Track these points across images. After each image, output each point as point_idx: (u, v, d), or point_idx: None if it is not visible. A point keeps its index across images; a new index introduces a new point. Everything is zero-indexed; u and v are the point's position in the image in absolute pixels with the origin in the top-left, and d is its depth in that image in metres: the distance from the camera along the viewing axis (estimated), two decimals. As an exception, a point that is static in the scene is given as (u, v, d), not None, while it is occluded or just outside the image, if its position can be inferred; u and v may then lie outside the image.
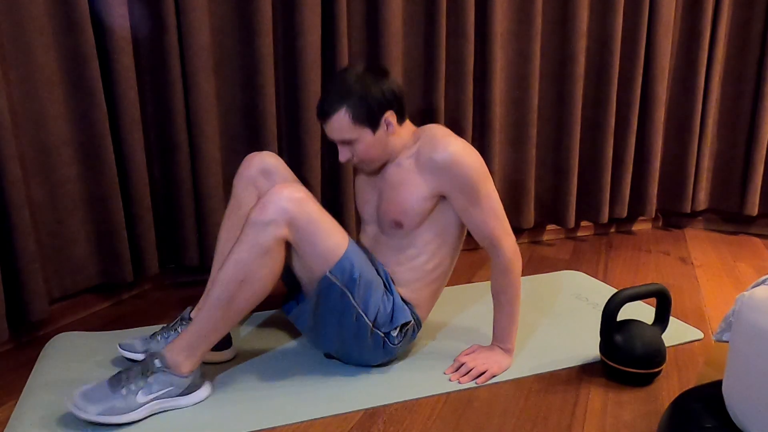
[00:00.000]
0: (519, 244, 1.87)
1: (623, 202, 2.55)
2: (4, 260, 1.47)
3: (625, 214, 2.57)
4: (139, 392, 1.17)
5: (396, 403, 1.27)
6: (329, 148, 2.04)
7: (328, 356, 1.46)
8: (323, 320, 1.30)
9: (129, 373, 1.19)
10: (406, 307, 1.37)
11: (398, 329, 1.35)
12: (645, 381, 1.34)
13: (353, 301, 1.26)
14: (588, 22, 2.33)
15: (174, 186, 1.86)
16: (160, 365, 1.20)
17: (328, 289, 1.24)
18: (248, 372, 1.39)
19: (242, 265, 1.18)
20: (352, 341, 1.32)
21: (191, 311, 1.47)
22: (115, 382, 1.18)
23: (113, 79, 1.65)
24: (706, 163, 2.61)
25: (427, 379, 1.36)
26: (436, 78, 2.08)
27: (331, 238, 1.24)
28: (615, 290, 1.92)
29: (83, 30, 1.55)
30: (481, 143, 2.25)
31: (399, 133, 1.35)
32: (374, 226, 1.44)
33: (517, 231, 2.47)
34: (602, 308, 1.75)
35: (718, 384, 1.04)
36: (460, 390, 1.32)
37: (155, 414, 1.21)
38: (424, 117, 2.14)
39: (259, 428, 1.17)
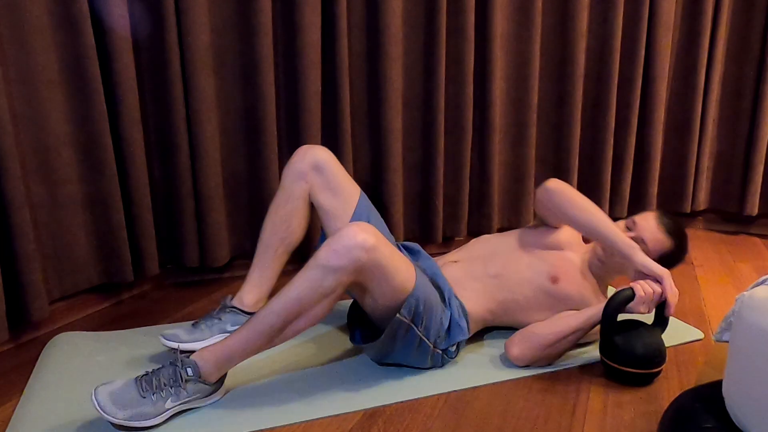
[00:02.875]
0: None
1: (623, 202, 2.55)
2: (4, 260, 1.47)
3: (625, 214, 2.57)
4: (169, 399, 1.16)
5: (396, 403, 1.27)
6: (329, 148, 2.04)
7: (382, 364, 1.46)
8: (390, 350, 1.35)
9: (159, 377, 1.16)
10: (462, 322, 1.42)
11: (455, 346, 1.41)
12: (645, 381, 1.34)
13: (417, 331, 1.31)
14: (588, 23, 2.33)
15: (174, 186, 1.86)
16: (192, 375, 1.18)
17: (399, 326, 1.29)
18: (248, 372, 1.39)
19: (303, 302, 1.18)
20: (412, 360, 1.38)
21: (231, 299, 1.49)
22: (145, 385, 1.15)
23: (113, 79, 1.65)
24: (706, 163, 2.61)
25: (427, 379, 1.36)
26: (436, 78, 2.08)
27: (399, 275, 1.26)
28: (615, 290, 1.92)
29: (83, 30, 1.55)
30: (481, 143, 2.25)
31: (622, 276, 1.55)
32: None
33: (517, 231, 2.48)
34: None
35: (718, 384, 1.04)
36: (460, 390, 1.32)
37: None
38: (424, 117, 2.14)
39: (259, 428, 1.17)
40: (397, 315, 1.26)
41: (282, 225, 1.48)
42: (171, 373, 1.17)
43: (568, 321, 1.38)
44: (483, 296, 1.48)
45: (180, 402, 1.18)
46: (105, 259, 1.74)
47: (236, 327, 1.40)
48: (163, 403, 1.16)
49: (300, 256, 1.66)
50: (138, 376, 1.18)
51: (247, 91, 1.89)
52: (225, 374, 1.26)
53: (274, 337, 1.20)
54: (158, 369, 1.19)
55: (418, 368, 1.41)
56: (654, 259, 1.42)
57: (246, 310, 1.46)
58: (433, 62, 2.08)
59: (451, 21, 2.10)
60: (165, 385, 1.16)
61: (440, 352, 1.38)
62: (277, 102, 1.96)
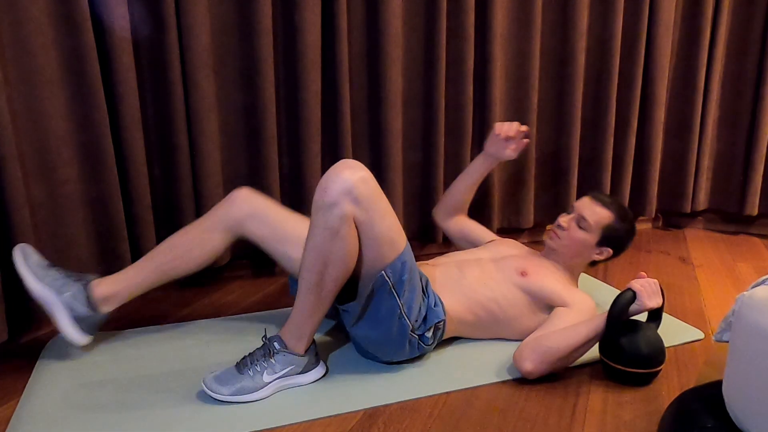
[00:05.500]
0: (519, 244, 1.87)
1: (623, 202, 2.55)
2: (4, 260, 1.47)
3: (625, 214, 2.57)
4: (264, 372, 1.27)
5: (396, 403, 1.27)
6: (329, 148, 2.04)
7: (363, 354, 1.47)
8: (370, 314, 1.33)
9: (253, 356, 1.29)
10: (438, 309, 1.40)
11: (431, 329, 1.39)
12: (645, 381, 1.34)
13: (399, 301, 1.30)
14: (588, 22, 2.33)
15: (174, 186, 1.86)
16: (279, 347, 1.29)
17: (382, 286, 1.28)
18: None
19: (319, 250, 1.22)
20: (391, 340, 1.35)
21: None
22: (242, 365, 1.28)
23: (113, 79, 1.65)
24: (706, 163, 2.61)
25: (427, 379, 1.36)
26: (436, 78, 2.08)
27: (392, 230, 1.27)
28: (615, 290, 1.92)
29: (83, 30, 1.55)
30: (481, 143, 2.25)
31: (587, 261, 1.59)
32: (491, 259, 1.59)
33: (517, 231, 2.47)
34: (603, 308, 1.75)
35: (718, 384, 1.04)
36: (460, 390, 1.32)
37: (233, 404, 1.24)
38: (424, 117, 2.14)
39: (259, 428, 1.17)
40: (382, 272, 1.27)
41: (185, 246, 1.45)
42: (262, 350, 1.30)
43: (577, 330, 1.35)
44: (463, 299, 1.47)
45: (277, 375, 1.28)
46: (105, 258, 1.74)
47: None
48: (261, 377, 1.27)
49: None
50: (237, 361, 1.31)
51: (247, 91, 1.89)
52: (313, 346, 1.33)
53: (317, 293, 1.25)
54: (253, 351, 1.31)
55: (396, 362, 1.41)
56: (600, 238, 1.54)
57: (94, 301, 1.38)
58: (433, 62, 2.08)
59: (451, 21, 2.10)
60: (258, 360, 1.28)
61: (417, 337, 1.36)
62: (277, 102, 1.96)
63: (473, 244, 1.82)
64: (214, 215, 1.47)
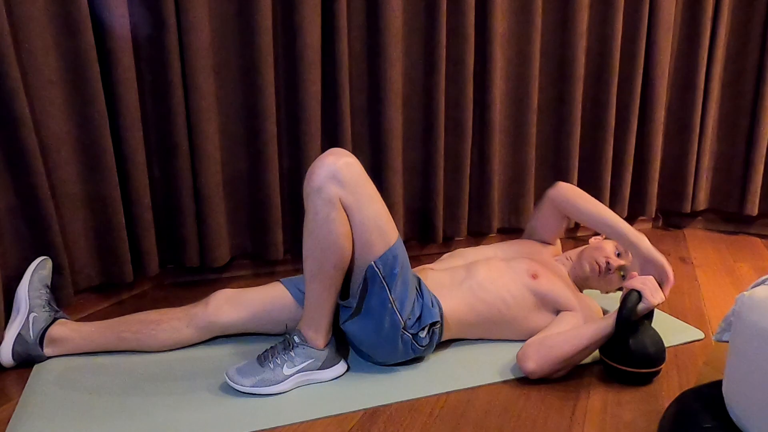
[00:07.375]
0: (519, 244, 1.87)
1: (623, 202, 2.55)
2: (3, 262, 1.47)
3: (625, 214, 2.57)
4: (285, 365, 1.29)
5: (396, 403, 1.27)
6: (329, 148, 2.04)
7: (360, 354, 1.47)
8: (367, 309, 1.33)
9: (274, 349, 1.31)
10: (434, 310, 1.40)
11: (426, 329, 1.38)
12: (645, 381, 1.34)
13: (390, 295, 1.31)
14: (588, 23, 2.33)
15: (174, 186, 1.86)
16: (299, 340, 1.31)
17: (373, 278, 1.29)
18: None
19: (314, 235, 1.25)
20: (383, 336, 1.34)
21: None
22: (263, 358, 1.31)
23: (113, 79, 1.65)
24: (706, 163, 2.61)
25: (427, 379, 1.36)
26: (436, 78, 2.08)
27: (380, 217, 1.29)
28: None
29: (83, 30, 1.55)
30: (481, 143, 2.25)
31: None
32: (503, 258, 1.60)
33: (518, 231, 2.47)
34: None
35: (718, 384, 1.04)
36: (460, 390, 1.32)
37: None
38: (424, 117, 2.14)
39: (259, 428, 1.17)
40: (372, 263, 1.28)
41: (156, 327, 1.45)
42: (282, 343, 1.32)
43: (581, 332, 1.35)
44: (466, 298, 1.46)
45: (297, 368, 1.30)
46: (105, 258, 1.74)
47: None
48: (281, 370, 1.29)
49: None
50: (258, 354, 1.33)
51: (247, 91, 1.89)
52: (333, 341, 1.35)
53: (320, 279, 1.27)
54: (275, 344, 1.33)
55: (390, 362, 1.40)
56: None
57: (46, 337, 1.41)
58: (433, 62, 2.08)
59: (451, 21, 2.10)
60: (278, 353, 1.30)
61: (410, 336, 1.35)
62: (277, 102, 1.96)
63: (533, 232, 1.74)
64: (191, 311, 1.47)
